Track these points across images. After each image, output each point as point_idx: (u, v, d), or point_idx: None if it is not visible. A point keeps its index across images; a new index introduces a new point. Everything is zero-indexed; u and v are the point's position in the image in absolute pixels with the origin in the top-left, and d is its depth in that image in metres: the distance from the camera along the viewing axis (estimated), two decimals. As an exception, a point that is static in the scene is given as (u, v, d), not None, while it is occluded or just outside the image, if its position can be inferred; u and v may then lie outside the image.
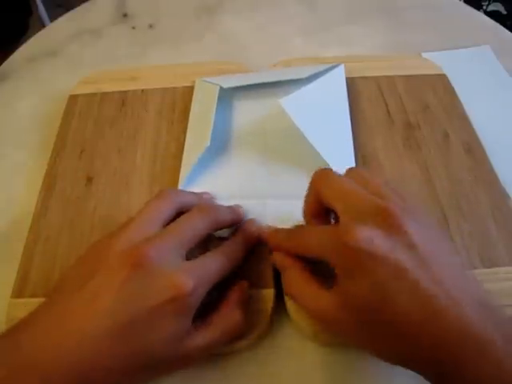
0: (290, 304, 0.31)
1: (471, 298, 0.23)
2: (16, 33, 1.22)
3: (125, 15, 0.58)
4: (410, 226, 0.24)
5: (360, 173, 0.28)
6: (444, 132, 0.41)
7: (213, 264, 0.27)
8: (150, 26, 0.56)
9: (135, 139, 0.40)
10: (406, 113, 0.42)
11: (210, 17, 0.57)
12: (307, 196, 0.30)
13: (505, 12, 1.15)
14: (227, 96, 0.42)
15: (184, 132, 0.40)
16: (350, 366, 0.30)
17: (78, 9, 0.60)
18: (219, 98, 0.40)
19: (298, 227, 0.30)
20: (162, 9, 0.59)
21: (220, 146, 0.39)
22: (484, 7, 1.18)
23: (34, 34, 0.56)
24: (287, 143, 0.39)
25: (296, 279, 0.28)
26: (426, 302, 0.22)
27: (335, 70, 0.43)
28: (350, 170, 0.29)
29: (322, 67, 0.42)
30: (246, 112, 0.41)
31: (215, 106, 0.38)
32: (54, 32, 0.56)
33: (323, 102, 0.40)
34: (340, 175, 0.28)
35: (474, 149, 0.39)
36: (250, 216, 0.34)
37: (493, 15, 0.72)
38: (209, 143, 0.36)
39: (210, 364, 0.30)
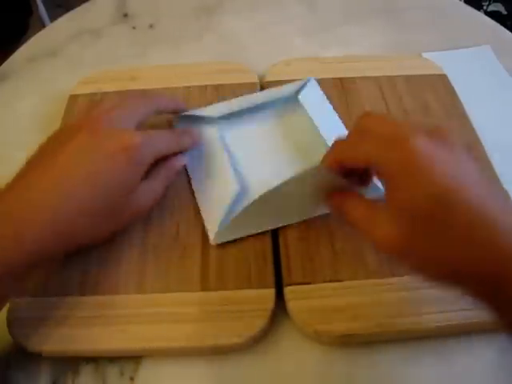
0: (289, 304, 0.31)
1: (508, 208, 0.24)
2: (16, 33, 1.22)
3: (125, 15, 0.58)
4: (456, 145, 0.26)
5: (372, 119, 0.28)
6: (444, 132, 0.40)
7: (162, 137, 0.35)
8: (150, 26, 0.56)
9: (135, 139, 0.40)
10: (406, 113, 0.42)
11: (209, 17, 0.57)
12: (324, 162, 0.29)
13: (505, 12, 1.15)
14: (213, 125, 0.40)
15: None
16: (351, 365, 0.30)
17: (78, 9, 0.60)
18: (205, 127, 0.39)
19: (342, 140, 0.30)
20: (162, 9, 0.59)
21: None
22: (484, 7, 1.18)
23: (34, 34, 0.56)
24: (298, 159, 0.38)
25: (356, 204, 0.28)
26: (476, 213, 0.23)
27: (309, 84, 0.42)
28: (363, 117, 0.28)
29: (292, 85, 0.42)
30: (240, 143, 0.39)
31: (223, 148, 0.37)
32: (54, 32, 0.56)
33: (318, 110, 0.40)
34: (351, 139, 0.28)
35: (474, 149, 0.39)
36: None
37: (493, 15, 0.72)
38: (237, 188, 0.34)
39: (209, 364, 0.30)
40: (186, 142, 0.37)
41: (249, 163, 0.38)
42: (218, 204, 0.35)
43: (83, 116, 0.33)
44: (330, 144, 0.34)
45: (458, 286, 0.24)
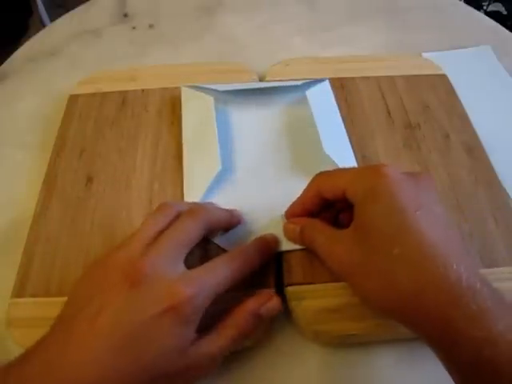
0: (290, 304, 0.31)
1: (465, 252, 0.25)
2: (16, 33, 1.22)
3: (125, 15, 0.58)
4: (424, 184, 0.27)
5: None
6: (444, 132, 0.41)
7: (218, 270, 0.27)
8: (150, 26, 0.56)
9: (135, 139, 0.40)
10: (407, 113, 0.42)
11: (209, 17, 0.57)
12: (305, 193, 0.31)
13: (505, 12, 1.15)
14: (219, 104, 0.41)
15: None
16: (351, 366, 0.30)
17: (78, 9, 0.60)
18: (207, 101, 0.40)
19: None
20: (162, 9, 0.59)
21: (223, 160, 0.36)
22: (484, 7, 1.18)
23: (34, 34, 0.56)
24: (293, 151, 0.39)
25: (317, 230, 0.30)
26: (432, 244, 0.24)
27: (322, 84, 0.43)
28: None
29: (305, 81, 0.42)
30: (241, 122, 0.41)
31: (215, 123, 0.38)
32: (54, 32, 0.56)
33: (321, 109, 0.40)
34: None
35: (473, 149, 0.39)
36: (267, 231, 0.33)
37: (493, 15, 0.72)
38: (220, 167, 0.35)
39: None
40: (251, 263, 0.29)
41: (241, 143, 0.39)
42: (199, 180, 0.36)
43: (120, 252, 0.26)
44: (325, 144, 0.36)
45: (402, 320, 0.25)
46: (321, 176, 0.31)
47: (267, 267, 0.32)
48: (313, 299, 0.30)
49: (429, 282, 0.23)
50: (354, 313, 0.30)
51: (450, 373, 0.23)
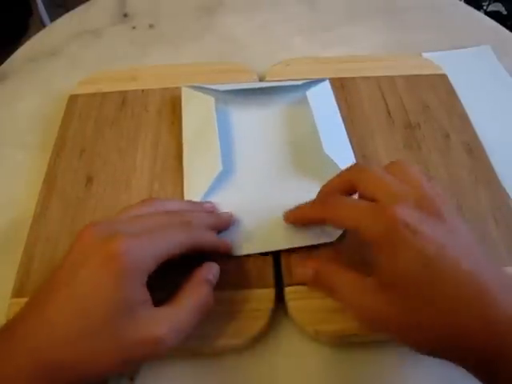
0: (289, 304, 0.31)
1: (503, 280, 0.24)
2: (16, 33, 1.22)
3: (125, 15, 0.58)
4: (448, 215, 0.25)
5: (400, 167, 0.28)
6: (444, 132, 0.41)
7: (164, 233, 0.27)
8: (150, 26, 0.56)
9: (135, 139, 0.40)
10: (407, 113, 0.42)
11: (210, 17, 0.57)
12: (335, 180, 0.30)
13: (505, 12, 1.15)
14: (219, 104, 0.41)
15: (184, 132, 0.40)
16: (351, 365, 0.30)
17: (77, 9, 0.60)
18: (207, 102, 0.40)
19: (327, 198, 0.30)
20: (162, 9, 0.59)
21: (223, 161, 0.36)
22: (484, 7, 1.18)
23: (34, 34, 0.56)
24: (293, 151, 0.39)
25: (336, 277, 0.27)
26: (467, 280, 0.23)
27: (322, 84, 0.43)
28: (391, 164, 0.29)
29: (305, 81, 0.42)
30: (241, 122, 0.41)
31: (216, 123, 0.38)
32: (54, 32, 0.56)
33: (321, 109, 0.40)
34: (376, 167, 0.28)
35: (474, 149, 0.39)
36: (266, 231, 0.33)
37: (493, 15, 0.72)
38: (221, 168, 0.35)
39: (209, 364, 0.30)
40: (207, 236, 0.30)
41: (241, 143, 0.39)
42: (199, 180, 0.36)
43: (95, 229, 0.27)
44: (325, 144, 0.36)
45: (444, 356, 0.24)
46: (356, 173, 0.29)
47: (267, 267, 0.32)
48: (313, 299, 0.30)
49: (469, 325, 0.23)
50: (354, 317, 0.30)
51: None
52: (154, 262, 0.26)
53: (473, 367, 0.23)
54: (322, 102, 0.42)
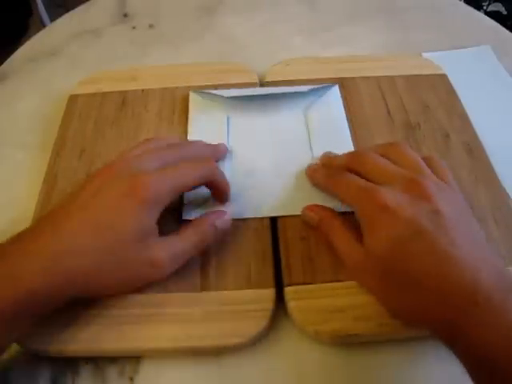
0: (289, 304, 0.31)
1: (488, 265, 0.25)
2: (16, 33, 1.22)
3: (125, 15, 0.58)
4: (437, 196, 0.27)
5: (396, 149, 0.32)
6: (444, 132, 0.41)
7: (179, 169, 0.31)
8: (150, 26, 0.56)
9: (135, 139, 0.40)
10: (407, 113, 0.42)
11: (210, 17, 0.57)
12: (339, 157, 0.34)
13: (505, 12, 1.14)
14: (224, 107, 0.41)
15: (184, 132, 0.40)
16: (351, 365, 0.30)
17: (77, 9, 0.60)
18: (216, 108, 0.40)
19: (337, 171, 0.33)
20: (162, 9, 0.59)
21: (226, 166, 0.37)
22: (484, 7, 1.18)
23: (34, 34, 0.56)
24: (300, 161, 0.38)
25: (337, 228, 0.31)
26: (442, 263, 0.25)
27: (332, 90, 0.43)
28: (390, 145, 0.33)
29: (315, 86, 0.42)
30: (248, 129, 0.41)
31: (227, 142, 0.39)
32: (54, 32, 0.56)
33: (329, 117, 0.41)
34: (374, 153, 0.32)
35: (474, 149, 0.39)
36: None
37: (493, 15, 0.72)
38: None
39: (209, 364, 0.30)
40: (219, 174, 0.33)
41: (246, 150, 0.39)
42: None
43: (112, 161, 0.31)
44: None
45: (416, 324, 0.27)
46: (354, 157, 0.33)
47: (267, 267, 0.32)
48: (313, 299, 0.30)
49: (428, 298, 0.25)
50: (354, 313, 0.30)
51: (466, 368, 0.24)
52: (172, 195, 0.30)
53: (440, 336, 0.25)
54: (330, 109, 0.42)
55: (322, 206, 0.34)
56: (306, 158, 0.38)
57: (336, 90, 0.43)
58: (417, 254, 0.25)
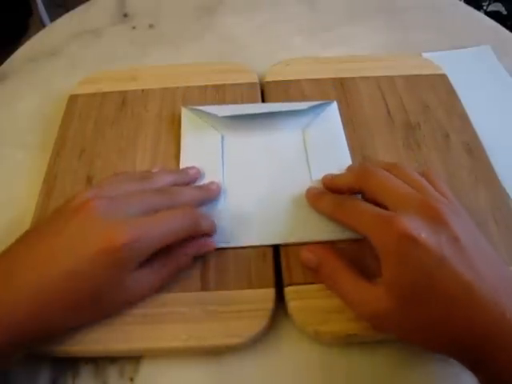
0: (290, 304, 0.31)
1: (510, 287, 0.25)
2: (16, 33, 1.22)
3: (125, 15, 0.58)
4: (453, 221, 0.26)
5: (399, 170, 0.31)
6: (444, 132, 0.41)
7: (164, 220, 0.29)
8: (150, 26, 0.56)
9: (135, 139, 0.40)
10: (406, 113, 0.42)
11: (210, 17, 0.57)
12: (342, 178, 0.33)
13: (505, 12, 1.15)
14: (218, 126, 0.40)
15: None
16: (351, 365, 0.30)
17: (77, 9, 0.60)
18: (208, 126, 0.40)
19: (345, 198, 0.32)
20: (162, 9, 0.59)
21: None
22: (484, 7, 1.18)
23: (34, 33, 0.56)
24: (296, 182, 0.37)
25: (341, 274, 0.29)
26: (466, 289, 0.24)
27: (330, 106, 0.42)
28: (391, 166, 0.31)
29: (313, 103, 0.40)
30: (243, 148, 0.39)
31: (222, 164, 0.38)
32: (54, 32, 0.56)
33: (327, 135, 0.40)
34: (383, 171, 0.30)
35: (474, 149, 0.39)
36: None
37: (493, 15, 0.72)
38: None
39: (209, 364, 0.30)
40: (204, 224, 0.32)
41: (235, 172, 0.37)
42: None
43: (87, 192, 0.30)
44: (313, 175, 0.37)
45: (442, 354, 0.26)
46: (363, 177, 0.31)
47: (267, 267, 0.32)
48: (313, 299, 0.30)
49: (458, 328, 0.25)
50: (354, 313, 0.30)
51: None
52: (151, 251, 0.29)
53: (465, 363, 0.25)
54: (328, 126, 0.40)
55: (322, 245, 0.32)
56: (304, 179, 0.37)
57: (334, 106, 0.42)
58: (443, 282, 0.25)
